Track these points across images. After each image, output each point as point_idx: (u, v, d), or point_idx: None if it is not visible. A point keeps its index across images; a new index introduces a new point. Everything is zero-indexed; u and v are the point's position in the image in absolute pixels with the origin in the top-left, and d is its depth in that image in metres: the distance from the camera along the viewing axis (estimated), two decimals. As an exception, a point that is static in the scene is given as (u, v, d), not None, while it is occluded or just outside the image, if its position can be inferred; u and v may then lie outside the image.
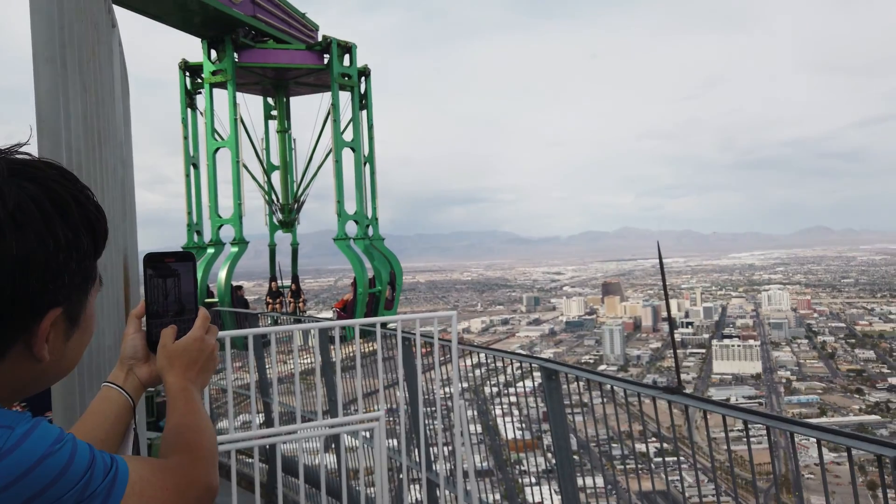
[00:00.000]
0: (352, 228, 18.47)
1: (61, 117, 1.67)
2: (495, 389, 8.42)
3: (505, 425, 8.61)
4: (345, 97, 18.63)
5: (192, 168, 18.18)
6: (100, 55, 2.44)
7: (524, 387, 7.01)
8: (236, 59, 17.20)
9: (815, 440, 2.80)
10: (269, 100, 20.22)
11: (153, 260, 1.32)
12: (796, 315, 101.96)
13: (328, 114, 18.45)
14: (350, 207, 18.57)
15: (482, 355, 6.80)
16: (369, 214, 19.15)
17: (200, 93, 17.96)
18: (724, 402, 3.49)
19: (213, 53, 17.32)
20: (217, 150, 17.79)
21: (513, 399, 8.50)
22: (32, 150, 0.99)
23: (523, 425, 8.34)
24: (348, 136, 18.64)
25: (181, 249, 1.38)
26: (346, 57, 18.39)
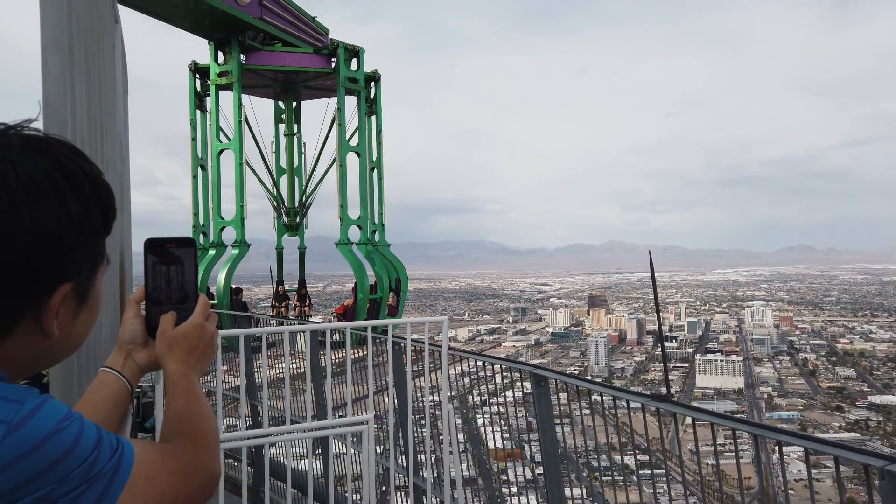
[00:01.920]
0: (354, 233, 18.43)
1: (67, 105, 1.67)
2: (482, 398, 8.42)
3: (490, 434, 8.60)
4: (355, 102, 18.65)
5: (199, 169, 18.12)
6: (103, 49, 2.44)
7: (513, 395, 7.02)
8: (243, 62, 17.22)
9: (802, 450, 2.83)
10: (280, 103, 20.22)
11: (154, 245, 1.30)
12: (779, 332, 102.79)
13: (334, 118, 18.43)
14: (353, 212, 18.51)
15: (470, 363, 6.80)
16: (375, 220, 19.12)
17: (209, 95, 17.96)
18: (713, 411, 3.51)
19: (220, 55, 17.35)
20: (221, 151, 17.77)
21: (498, 409, 8.50)
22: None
23: (507, 435, 8.34)
24: (356, 141, 18.62)
25: (181, 236, 1.37)
26: (354, 61, 18.43)
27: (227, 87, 17.41)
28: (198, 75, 18.04)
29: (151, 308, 1.33)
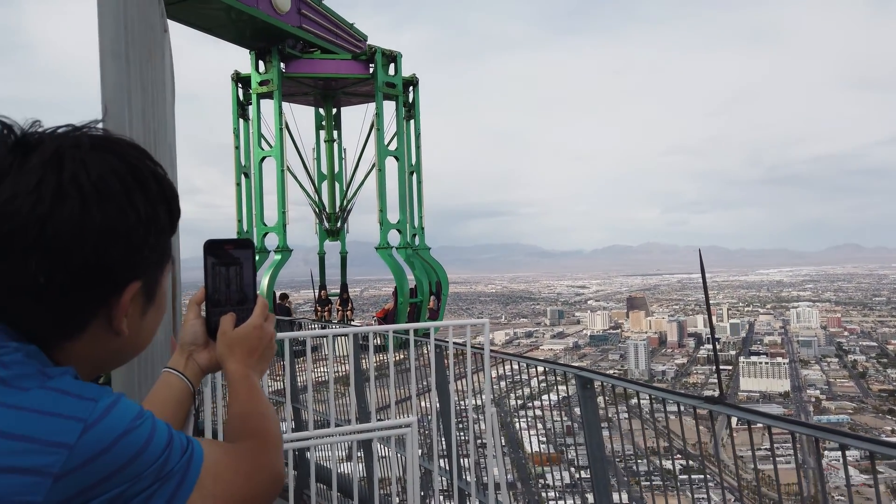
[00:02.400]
0: (394, 238, 18.52)
1: (126, 112, 1.70)
2: (519, 402, 8.35)
3: (529, 438, 8.52)
4: (394, 107, 18.76)
5: (242, 177, 18.47)
6: (155, 57, 2.49)
7: (558, 395, 6.94)
8: (283, 70, 17.48)
9: (848, 454, 2.71)
10: (321, 110, 20.50)
11: (213, 247, 1.31)
12: (826, 333, 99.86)
13: (372, 123, 18.61)
14: (393, 217, 18.59)
15: (507, 366, 6.75)
16: (415, 223, 19.19)
17: (251, 104, 18.30)
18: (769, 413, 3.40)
19: (261, 65, 17.65)
20: (263, 159, 18.08)
21: (537, 412, 8.41)
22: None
23: (546, 438, 8.26)
24: (395, 145, 18.72)
25: (240, 238, 1.37)
26: (391, 66, 18.53)
27: (269, 95, 17.65)
28: (240, 85, 18.35)
29: (211, 309, 1.34)
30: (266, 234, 18.12)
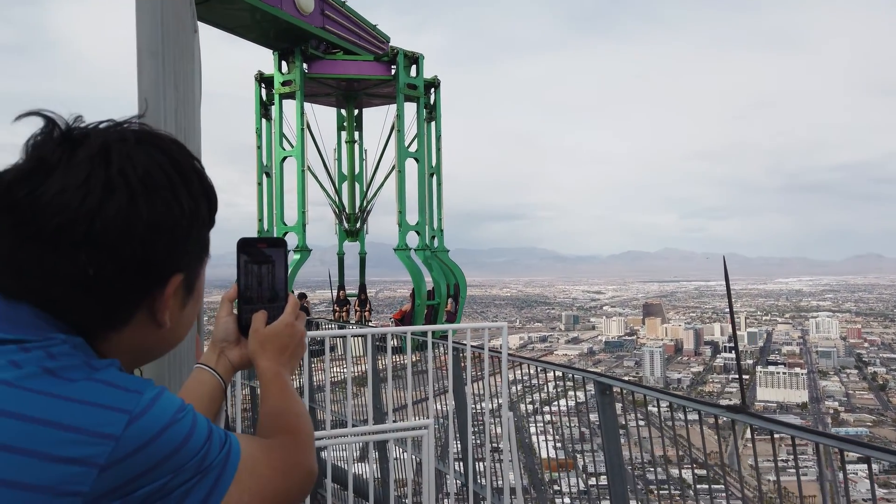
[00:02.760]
0: (412, 239, 18.56)
1: (162, 110, 1.72)
2: (533, 407, 8.32)
3: (541, 443, 8.47)
4: (415, 108, 18.83)
5: (264, 176, 18.61)
6: (186, 56, 2.51)
7: (575, 400, 6.90)
8: (306, 71, 17.62)
9: (866, 468, 2.66)
10: (342, 111, 20.62)
11: (247, 245, 1.32)
12: (846, 344, 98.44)
13: (393, 124, 18.68)
14: (412, 218, 18.63)
15: (523, 370, 6.72)
16: (434, 225, 19.23)
17: (274, 104, 18.45)
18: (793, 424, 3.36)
19: (284, 65, 17.81)
20: (284, 158, 18.23)
21: (550, 418, 8.37)
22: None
23: (558, 444, 8.21)
24: (416, 147, 18.78)
25: (273, 236, 1.39)
26: (413, 68, 18.60)
27: (291, 95, 17.78)
28: (263, 85, 18.51)
29: (243, 307, 1.35)
30: (286, 233, 18.22)
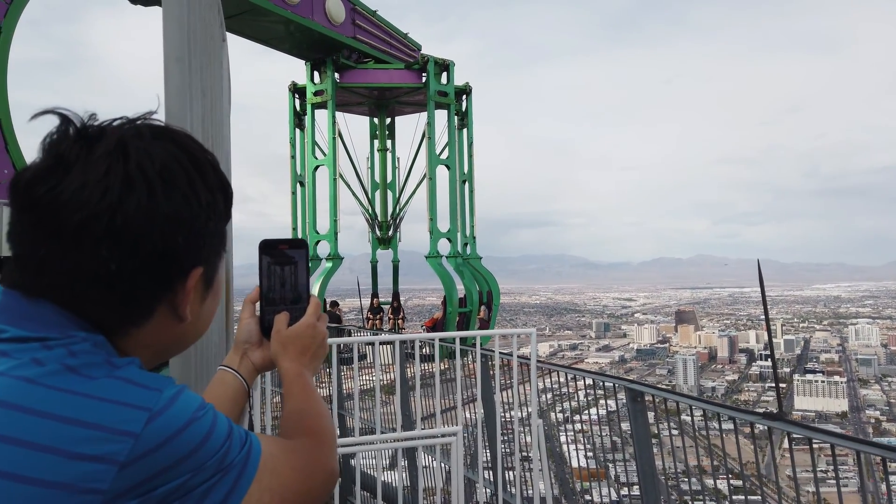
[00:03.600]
0: (444, 247, 18.57)
1: (188, 116, 1.74)
2: (563, 415, 8.21)
3: (573, 452, 8.36)
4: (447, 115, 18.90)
5: (297, 185, 18.84)
6: (214, 65, 2.55)
7: (607, 409, 6.80)
8: (337, 80, 17.81)
9: None
10: (375, 120, 20.78)
11: (268, 246, 1.32)
12: (887, 351, 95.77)
13: (424, 132, 18.78)
14: (444, 226, 18.61)
15: (552, 378, 6.64)
16: (467, 232, 19.22)
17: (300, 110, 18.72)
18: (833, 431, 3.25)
19: (316, 75, 18.01)
20: (317, 168, 18.41)
21: (581, 426, 8.26)
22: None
23: (590, 454, 8.10)
24: (447, 154, 18.79)
25: (294, 238, 1.39)
26: (444, 75, 18.67)
27: (323, 105, 17.95)
28: (296, 95, 18.71)
29: (266, 308, 1.35)
30: (318, 241, 18.36)
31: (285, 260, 1.35)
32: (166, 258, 0.91)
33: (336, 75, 17.72)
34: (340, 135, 18.59)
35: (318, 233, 18.40)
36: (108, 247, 0.87)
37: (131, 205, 0.87)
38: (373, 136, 20.78)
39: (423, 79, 18.28)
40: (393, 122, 20.84)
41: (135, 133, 0.92)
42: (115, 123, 0.94)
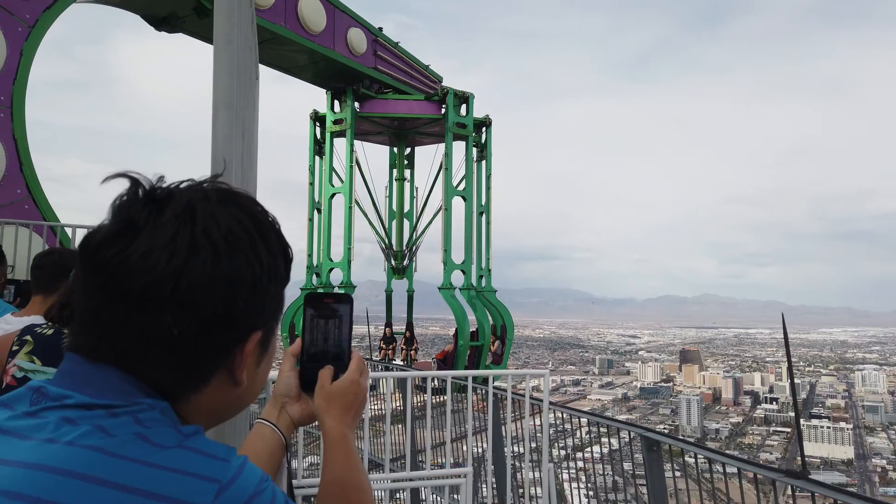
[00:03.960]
0: (457, 279, 18.49)
1: (232, 159, 1.75)
2: (563, 452, 8.09)
3: (573, 491, 8.24)
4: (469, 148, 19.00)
5: (315, 212, 18.94)
6: (250, 105, 2.58)
7: (610, 446, 6.70)
8: (358, 110, 18.00)
9: None
10: (395, 149, 20.92)
11: (313, 300, 1.33)
12: (894, 399, 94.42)
13: (441, 163, 18.88)
14: (457, 257, 18.53)
15: (556, 415, 6.54)
16: (483, 265, 19.14)
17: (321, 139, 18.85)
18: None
19: (337, 104, 18.25)
20: (333, 195, 18.52)
21: (583, 465, 8.13)
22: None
23: (590, 493, 7.96)
24: (465, 186, 18.80)
25: (340, 291, 1.39)
26: (463, 107, 18.84)
27: (342, 133, 18.14)
28: (317, 123, 18.90)
29: (306, 362, 1.34)
30: (332, 269, 18.35)
31: (329, 314, 1.34)
32: (227, 322, 0.90)
33: (356, 104, 17.89)
34: (358, 163, 18.72)
35: (331, 260, 18.39)
36: (171, 311, 0.86)
37: (196, 268, 0.87)
38: (392, 166, 20.88)
39: (443, 110, 18.40)
40: (412, 151, 20.94)
41: (202, 197, 0.92)
42: (182, 186, 0.94)
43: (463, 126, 18.52)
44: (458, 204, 18.77)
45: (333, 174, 18.51)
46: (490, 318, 18.50)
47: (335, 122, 18.12)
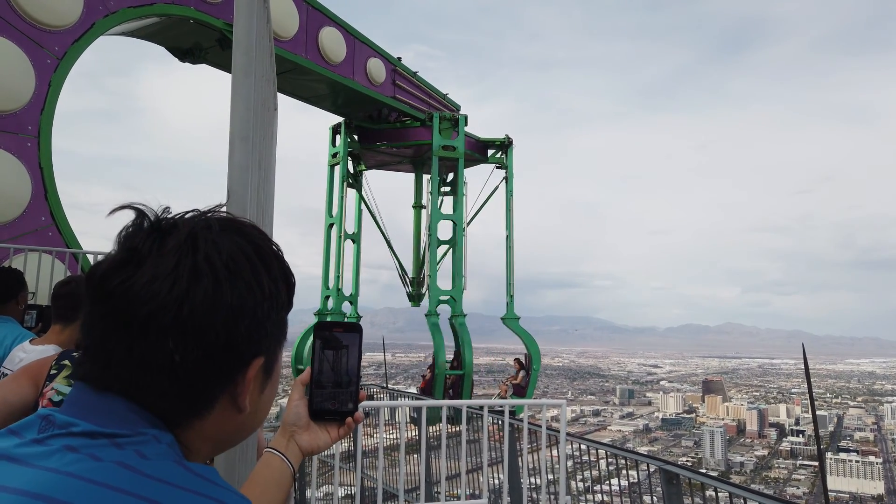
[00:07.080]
0: (487, 305, 18.35)
1: (248, 190, 1.78)
2: (583, 485, 7.96)
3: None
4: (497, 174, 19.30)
5: (332, 241, 19.09)
6: (268, 136, 2.62)
7: (629, 479, 6.56)
8: (357, 141, 18.36)
9: None
10: (426, 177, 20.91)
11: (323, 329, 1.33)
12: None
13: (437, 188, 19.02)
14: (470, 284, 18.49)
15: (573, 446, 6.44)
16: (506, 291, 19.02)
17: (355, 172, 19.38)
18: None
19: (337, 138, 18.59)
20: (331, 225, 18.76)
21: (602, 497, 7.98)
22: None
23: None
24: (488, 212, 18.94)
25: (349, 321, 1.40)
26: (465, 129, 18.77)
27: (357, 161, 18.59)
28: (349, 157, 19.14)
29: (315, 391, 1.35)
30: (328, 296, 18.55)
31: (338, 344, 1.35)
32: (229, 348, 0.91)
33: (355, 137, 18.24)
34: (364, 199, 19.05)
35: (340, 288, 18.50)
36: (173, 337, 0.87)
37: (198, 295, 0.88)
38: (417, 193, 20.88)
39: (454, 136, 18.48)
40: (455, 178, 20.66)
41: (205, 225, 0.94)
42: (187, 216, 0.96)
43: (452, 149, 18.26)
44: (471, 230, 18.74)
45: (333, 204, 18.78)
46: (466, 349, 17.56)
47: (333, 156, 18.59)
